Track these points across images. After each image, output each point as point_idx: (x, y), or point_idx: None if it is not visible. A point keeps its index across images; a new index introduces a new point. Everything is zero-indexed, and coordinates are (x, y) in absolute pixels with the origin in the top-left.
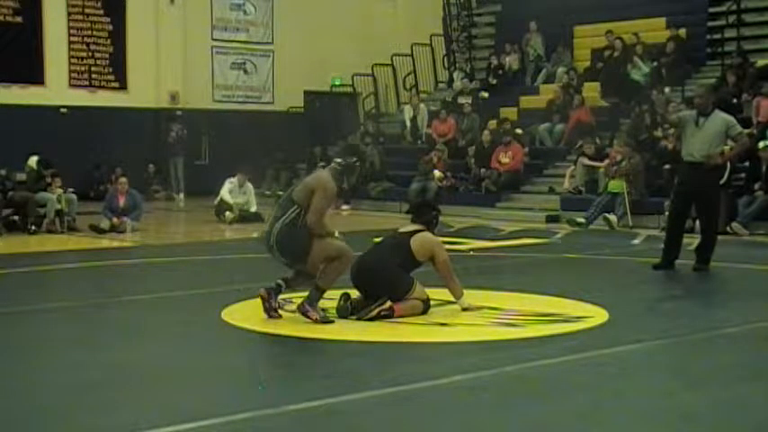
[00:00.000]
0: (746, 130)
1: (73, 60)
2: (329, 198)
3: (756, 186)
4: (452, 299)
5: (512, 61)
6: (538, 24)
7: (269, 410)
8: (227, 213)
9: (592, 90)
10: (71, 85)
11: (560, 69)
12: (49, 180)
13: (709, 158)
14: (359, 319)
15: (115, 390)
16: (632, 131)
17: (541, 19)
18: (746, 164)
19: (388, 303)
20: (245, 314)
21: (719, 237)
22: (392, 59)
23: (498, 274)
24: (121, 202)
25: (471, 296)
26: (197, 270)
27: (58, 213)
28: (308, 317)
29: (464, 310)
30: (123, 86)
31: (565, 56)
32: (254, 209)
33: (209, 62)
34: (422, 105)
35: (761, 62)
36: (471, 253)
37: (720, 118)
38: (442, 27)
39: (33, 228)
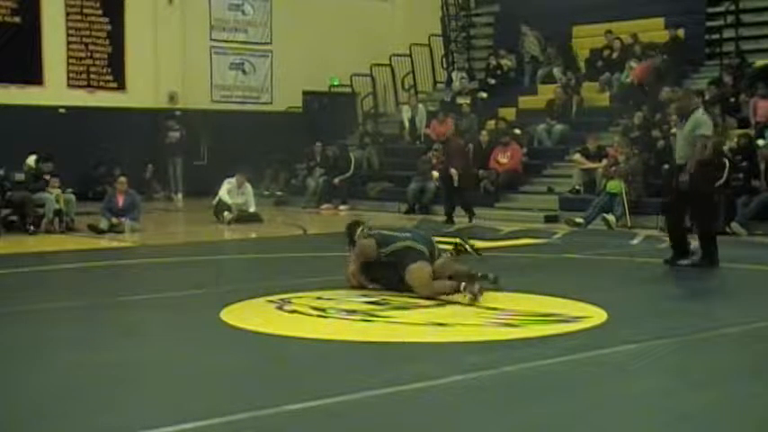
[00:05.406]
0: (743, 131)
1: (71, 60)
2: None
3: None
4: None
5: (506, 63)
6: (533, 25)
7: (269, 410)
8: (226, 214)
9: (591, 90)
10: (69, 86)
11: (555, 69)
12: (47, 177)
13: (687, 160)
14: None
15: (115, 390)
16: (625, 129)
17: (540, 19)
18: (745, 163)
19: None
20: (245, 314)
21: (719, 237)
22: (391, 60)
23: (497, 274)
24: (120, 202)
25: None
26: (197, 270)
27: (57, 213)
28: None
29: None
30: (122, 87)
31: (557, 58)
32: (252, 209)
33: (208, 62)
34: (420, 106)
35: (759, 62)
36: None
37: (694, 118)
38: (441, 27)
39: (32, 228)
